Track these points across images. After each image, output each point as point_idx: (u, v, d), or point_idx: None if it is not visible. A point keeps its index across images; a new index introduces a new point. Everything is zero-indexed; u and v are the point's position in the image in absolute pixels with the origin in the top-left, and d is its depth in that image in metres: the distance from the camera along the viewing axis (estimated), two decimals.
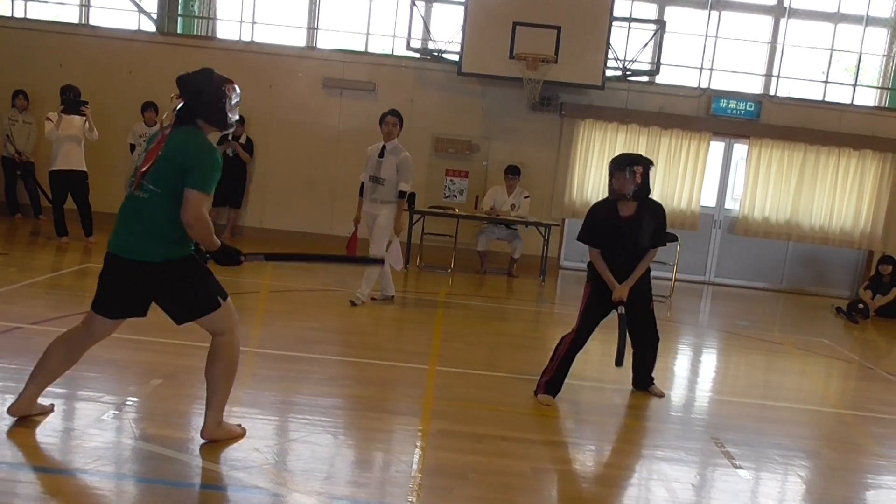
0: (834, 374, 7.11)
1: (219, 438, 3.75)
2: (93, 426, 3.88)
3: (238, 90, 3.71)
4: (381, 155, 7.30)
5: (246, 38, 11.76)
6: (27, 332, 5.41)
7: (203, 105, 3.58)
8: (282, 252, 4.27)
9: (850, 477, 4.33)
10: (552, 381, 4.99)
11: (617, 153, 11.24)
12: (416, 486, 3.54)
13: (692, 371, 6.87)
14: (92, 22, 11.82)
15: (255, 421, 4.25)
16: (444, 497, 3.46)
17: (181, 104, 3.59)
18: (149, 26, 11.84)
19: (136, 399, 4.35)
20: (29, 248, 9.42)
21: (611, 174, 4.92)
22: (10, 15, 11.74)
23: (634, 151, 11.33)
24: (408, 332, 6.98)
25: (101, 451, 3.58)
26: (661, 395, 5.40)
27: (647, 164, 4.96)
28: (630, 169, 4.86)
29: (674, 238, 9.92)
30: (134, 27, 11.83)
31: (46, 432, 3.76)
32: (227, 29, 11.99)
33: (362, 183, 7.42)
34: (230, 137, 11.03)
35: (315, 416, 4.36)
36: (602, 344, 7.28)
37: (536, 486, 3.74)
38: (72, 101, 9.10)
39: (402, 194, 7.29)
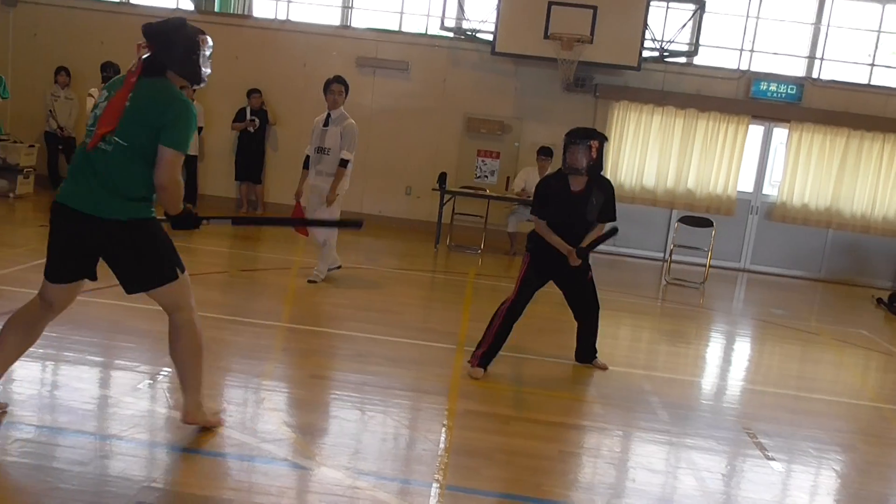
0: (872, 366, 6.96)
1: (200, 422, 3.56)
2: (128, 394, 3.96)
3: (211, 42, 3.44)
4: (326, 124, 6.96)
5: (281, 16, 11.78)
6: None
7: (174, 56, 3.29)
8: (253, 215, 3.84)
9: (887, 473, 4.26)
10: (488, 353, 4.96)
11: (653, 136, 11.31)
12: (443, 464, 3.55)
13: (724, 359, 6.79)
14: (132, 0, 11.92)
15: (285, 395, 4.30)
16: (470, 477, 3.47)
17: (147, 54, 3.29)
18: (187, 5, 11.90)
19: (169, 369, 4.40)
20: None
21: (565, 148, 4.89)
22: None
23: (670, 134, 11.30)
24: (436, 312, 6.99)
25: (137, 419, 3.66)
26: (605, 368, 5.36)
27: (602, 139, 4.93)
28: (585, 143, 4.83)
29: (708, 223, 9.83)
30: (173, 6, 11.91)
31: (85, 399, 3.86)
32: (263, 7, 12.01)
33: (307, 155, 7.07)
34: (248, 115, 11.14)
35: (344, 391, 4.39)
36: (632, 329, 7.24)
37: (563, 470, 3.73)
38: (112, 79, 9.22)
39: (343, 162, 6.87)
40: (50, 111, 11.01)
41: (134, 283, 3.36)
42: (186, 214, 3.35)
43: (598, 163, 4.90)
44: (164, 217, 3.34)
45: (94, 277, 3.45)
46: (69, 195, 3.25)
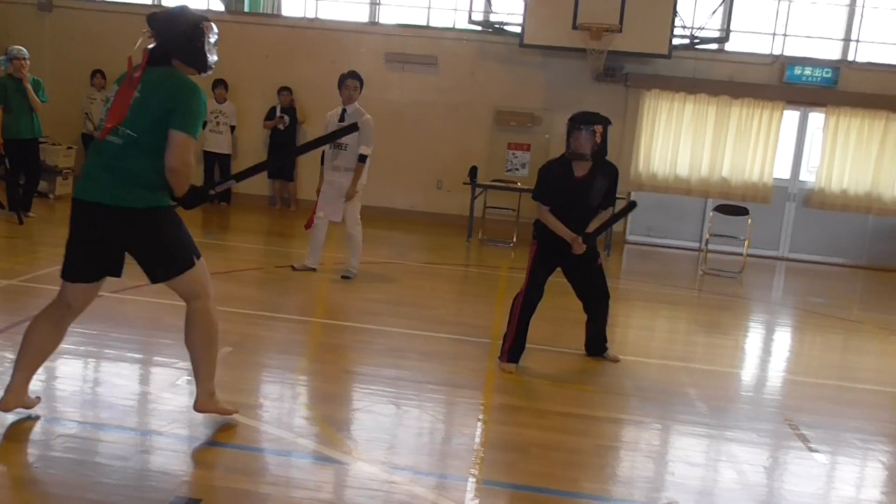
0: None
1: (212, 411, 3.58)
2: (167, 390, 4.02)
3: (216, 29, 3.42)
4: (342, 119, 6.92)
5: (310, 15, 11.83)
6: (107, 300, 5.58)
7: (179, 44, 3.31)
8: (249, 167, 3.78)
9: None
10: (515, 346, 4.91)
11: (685, 124, 11.15)
12: (478, 459, 3.53)
13: (764, 349, 6.67)
14: (164, 3, 12.05)
15: (320, 390, 4.32)
16: (506, 471, 3.45)
17: (152, 44, 3.30)
18: (217, 6, 12.01)
19: None
20: None
21: (569, 133, 4.78)
22: None
23: (703, 122, 11.13)
24: (469, 306, 6.97)
25: (176, 415, 3.70)
26: (616, 360, 5.23)
27: (606, 123, 4.80)
28: (589, 128, 4.71)
29: (744, 211, 9.67)
30: (204, 7, 12.02)
31: (125, 395, 3.93)
32: (291, 6, 12.08)
33: (323, 152, 7.08)
34: (278, 113, 11.20)
35: (378, 386, 4.40)
36: (668, 321, 7.15)
37: (599, 464, 3.69)
38: None
39: (362, 158, 6.89)
40: (86, 113, 11.20)
41: (157, 272, 3.38)
42: (193, 192, 3.34)
43: (602, 148, 4.78)
44: (173, 201, 3.34)
45: (117, 274, 3.46)
46: (84, 189, 3.28)
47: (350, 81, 6.98)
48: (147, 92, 3.22)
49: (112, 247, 3.37)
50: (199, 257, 3.43)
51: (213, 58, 3.42)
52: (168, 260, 3.35)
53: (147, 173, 3.22)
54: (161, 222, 3.30)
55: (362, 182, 7.03)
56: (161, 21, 3.33)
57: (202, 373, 3.53)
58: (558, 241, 4.91)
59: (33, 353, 3.44)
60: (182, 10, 3.38)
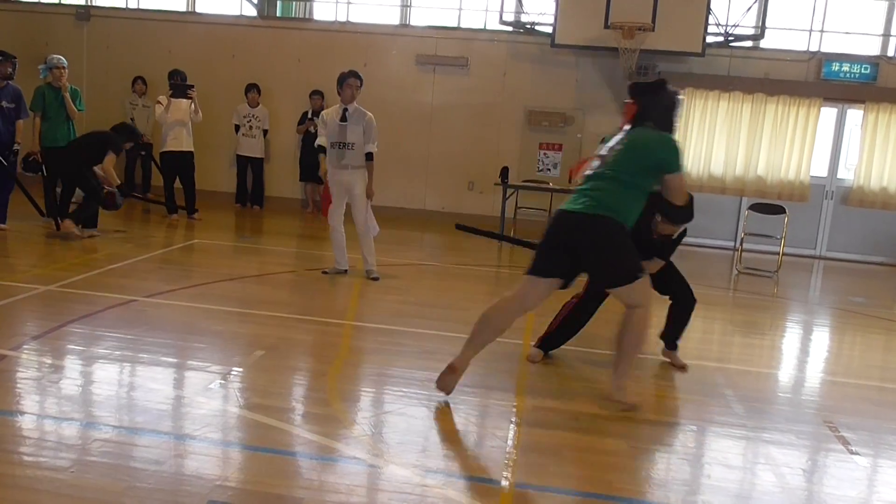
0: None
1: (620, 401, 4.17)
2: (201, 394, 4.05)
3: (682, 99, 4.48)
4: (344, 119, 6.95)
5: (342, 18, 11.91)
6: (142, 305, 5.70)
7: (657, 110, 4.20)
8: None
9: None
10: (549, 338, 5.12)
11: (720, 122, 11.01)
12: (511, 462, 3.52)
13: (802, 350, 6.54)
14: (198, 10, 12.24)
15: (352, 393, 4.34)
16: (539, 474, 3.43)
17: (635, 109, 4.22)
18: (250, 11, 12.15)
19: (240, 369, 4.51)
20: (143, 225, 9.91)
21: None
22: (124, 6, 12.31)
23: (738, 120, 10.96)
24: None
25: (209, 419, 3.74)
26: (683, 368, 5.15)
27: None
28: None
29: (780, 210, 9.50)
30: (236, 12, 12.17)
31: (159, 399, 3.97)
32: (323, 10, 12.17)
33: (320, 145, 7.16)
34: (310, 116, 11.25)
35: (410, 388, 4.40)
36: (703, 321, 7.05)
37: (634, 466, 3.65)
38: (179, 86, 9.50)
39: (370, 156, 7.04)
40: (131, 119, 11.36)
41: (611, 278, 4.13)
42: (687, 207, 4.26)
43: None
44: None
45: (567, 282, 4.25)
46: (577, 206, 4.10)
47: (352, 80, 7.01)
48: (632, 145, 4.17)
49: (570, 248, 4.10)
50: (643, 271, 4.10)
51: (677, 123, 4.34)
52: (619, 269, 4.06)
53: (620, 203, 4.05)
54: (616, 235, 4.03)
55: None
56: (643, 91, 4.31)
57: (620, 369, 4.20)
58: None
59: (476, 343, 4.24)
60: (662, 84, 4.34)
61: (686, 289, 5.20)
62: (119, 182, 8.47)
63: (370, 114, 7.05)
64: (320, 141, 7.18)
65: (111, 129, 8.58)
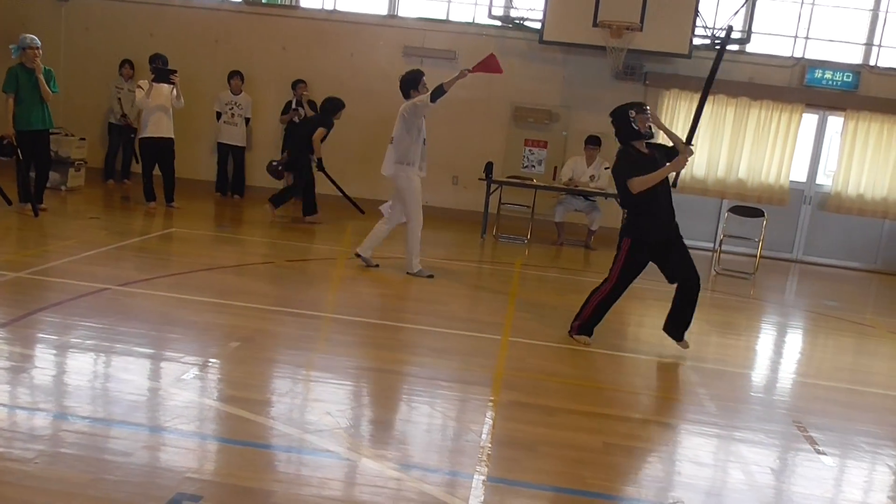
0: None
1: None
2: (174, 385, 4.02)
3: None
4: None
5: (329, 6, 11.83)
6: (116, 293, 5.64)
7: None
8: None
9: None
10: (586, 325, 5.49)
11: (703, 124, 11.03)
12: (486, 455, 3.53)
13: (775, 351, 6.62)
14: None
15: (329, 385, 4.33)
16: (513, 468, 3.45)
17: None
18: None
19: (215, 360, 4.49)
20: (119, 212, 9.81)
21: (633, 119, 5.36)
22: None
23: (721, 123, 11.05)
24: (482, 302, 6.97)
25: (181, 410, 3.71)
26: (686, 347, 5.52)
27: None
28: (647, 111, 5.43)
29: (759, 213, 9.58)
30: None
31: (130, 390, 3.93)
32: None
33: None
34: (294, 105, 11.17)
35: (388, 382, 4.40)
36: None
37: (608, 462, 3.68)
38: (162, 70, 9.37)
39: None
40: (119, 100, 11.19)
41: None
42: None
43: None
44: None
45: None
46: None
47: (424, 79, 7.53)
48: None
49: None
50: None
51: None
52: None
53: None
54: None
55: None
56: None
57: None
58: (655, 232, 5.35)
59: None
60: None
61: (695, 273, 5.47)
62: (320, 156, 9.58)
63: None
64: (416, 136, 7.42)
65: (323, 102, 9.69)
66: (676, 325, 5.49)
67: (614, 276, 5.37)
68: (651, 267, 5.45)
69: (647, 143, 5.47)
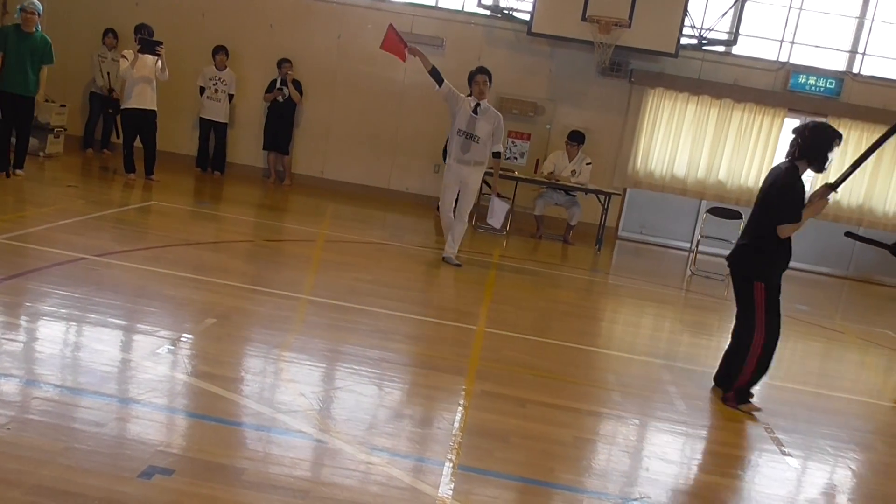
0: None
1: None
2: (148, 359, 4.00)
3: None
4: (475, 112, 7.22)
5: None
6: (92, 264, 5.58)
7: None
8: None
9: None
10: (746, 386, 4.71)
11: (686, 124, 11.15)
12: (457, 444, 3.55)
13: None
14: None
15: (303, 367, 4.32)
16: (483, 458, 3.47)
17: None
18: None
19: (190, 336, 4.46)
20: (98, 182, 9.68)
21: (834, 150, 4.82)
22: None
23: (703, 124, 11.13)
24: (459, 292, 6.98)
25: (154, 384, 3.69)
26: (757, 410, 4.69)
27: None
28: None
29: (737, 215, 9.68)
30: None
31: (104, 361, 3.90)
32: None
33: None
34: (279, 85, 11.08)
35: (362, 366, 4.40)
36: (654, 319, 7.18)
37: (577, 455, 3.72)
38: (148, 41, 9.23)
39: (497, 155, 7.43)
40: (102, 70, 11.01)
41: None
42: None
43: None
44: None
45: None
46: None
47: (480, 77, 7.27)
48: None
49: None
50: None
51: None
52: None
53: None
54: None
55: None
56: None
57: None
58: (786, 264, 4.77)
59: None
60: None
61: (752, 325, 4.70)
62: None
63: (500, 115, 7.35)
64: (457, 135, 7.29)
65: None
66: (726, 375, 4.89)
67: (762, 326, 4.63)
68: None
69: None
